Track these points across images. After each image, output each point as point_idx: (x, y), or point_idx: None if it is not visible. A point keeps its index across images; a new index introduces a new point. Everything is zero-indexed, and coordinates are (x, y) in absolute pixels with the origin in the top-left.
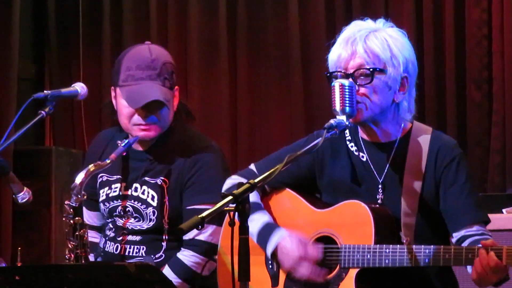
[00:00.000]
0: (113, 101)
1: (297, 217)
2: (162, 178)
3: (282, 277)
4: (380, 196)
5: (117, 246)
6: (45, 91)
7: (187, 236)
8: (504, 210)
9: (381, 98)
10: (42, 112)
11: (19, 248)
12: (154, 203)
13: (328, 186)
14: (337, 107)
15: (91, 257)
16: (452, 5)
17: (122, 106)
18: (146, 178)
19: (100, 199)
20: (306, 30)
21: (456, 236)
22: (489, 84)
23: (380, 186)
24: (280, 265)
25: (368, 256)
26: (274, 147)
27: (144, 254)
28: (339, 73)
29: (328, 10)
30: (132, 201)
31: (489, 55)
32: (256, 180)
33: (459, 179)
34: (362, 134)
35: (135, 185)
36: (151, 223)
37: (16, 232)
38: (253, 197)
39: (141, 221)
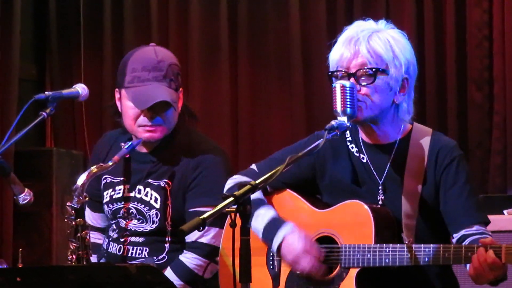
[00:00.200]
0: (117, 103)
1: (298, 217)
2: (166, 180)
3: (283, 277)
4: (380, 198)
5: (120, 247)
6: (46, 92)
7: (189, 239)
8: (505, 211)
9: (382, 99)
10: (43, 113)
11: (20, 249)
12: (157, 205)
13: (329, 187)
14: (338, 108)
15: (94, 258)
16: (453, 6)
17: (128, 107)
18: (150, 180)
19: (104, 201)
20: (307, 30)
21: (456, 236)
22: (490, 85)
23: (380, 187)
24: (283, 258)
25: (369, 255)
26: (275, 147)
27: (146, 256)
28: (340, 72)
29: (329, 11)
30: (135, 203)
31: (490, 56)
32: (257, 181)
33: (459, 180)
34: (362, 135)
35: (138, 187)
36: (154, 225)
37: (17, 233)
38: (257, 193)
39: (144, 223)
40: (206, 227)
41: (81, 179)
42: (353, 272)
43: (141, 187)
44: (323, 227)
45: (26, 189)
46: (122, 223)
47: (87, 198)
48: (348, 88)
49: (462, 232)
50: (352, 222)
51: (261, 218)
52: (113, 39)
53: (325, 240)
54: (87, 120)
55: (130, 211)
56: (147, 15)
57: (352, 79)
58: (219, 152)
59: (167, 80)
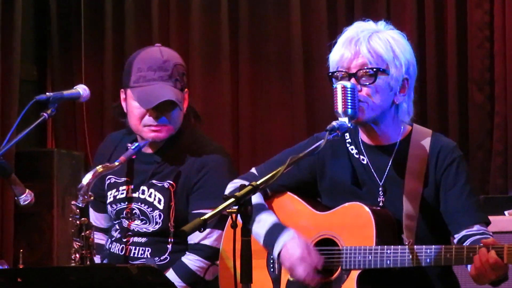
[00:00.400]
0: (123, 103)
1: (299, 220)
2: (170, 181)
3: (284, 280)
4: (381, 199)
5: (122, 247)
6: (47, 93)
7: (192, 241)
8: (506, 212)
9: (383, 99)
10: (44, 114)
11: (21, 250)
12: (161, 206)
13: (329, 189)
14: (339, 109)
15: (97, 259)
16: (454, 6)
17: (133, 107)
18: (154, 181)
19: (108, 201)
20: (308, 31)
21: (457, 237)
22: (491, 86)
23: (380, 189)
24: (282, 265)
25: (370, 257)
26: (276, 148)
27: (149, 256)
28: (341, 73)
29: (330, 11)
30: (139, 203)
31: (491, 57)
32: (258, 182)
33: (460, 181)
34: (362, 136)
35: (142, 187)
36: (157, 226)
37: (18, 234)
38: (257, 198)
39: (147, 224)
40: (209, 229)
41: (87, 178)
42: (354, 274)
43: (145, 187)
44: (323, 230)
45: (27, 190)
46: (125, 223)
47: (92, 198)
48: (349, 89)
49: (463, 233)
50: (352, 224)
51: (262, 224)
52: (114, 40)
53: (326, 243)
54: (88, 121)
55: (134, 211)
56: (148, 16)
57: (352, 79)
58: (223, 154)
59: (172, 80)
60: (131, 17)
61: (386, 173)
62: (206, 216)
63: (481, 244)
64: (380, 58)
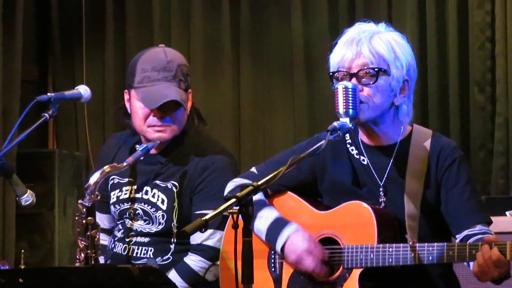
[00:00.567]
0: (127, 104)
1: (300, 219)
2: (173, 182)
3: (285, 280)
4: (382, 199)
5: (125, 247)
6: (48, 94)
7: (194, 241)
8: (507, 213)
9: (383, 99)
10: (46, 114)
11: (23, 251)
12: (164, 207)
13: (330, 190)
14: (341, 109)
15: (101, 259)
16: (455, 7)
17: (137, 107)
18: (157, 182)
19: (111, 201)
20: (309, 32)
21: (459, 237)
22: (493, 87)
23: (381, 189)
24: (286, 258)
25: (371, 255)
26: (277, 149)
27: (151, 256)
28: (341, 73)
29: (331, 14)
30: (142, 204)
31: (492, 58)
32: (259, 183)
33: (460, 181)
34: (362, 137)
35: (145, 188)
36: (160, 227)
37: (20, 235)
38: (258, 195)
39: (151, 224)
40: (212, 230)
41: (94, 177)
42: (356, 272)
43: (148, 188)
44: (325, 229)
45: (29, 191)
46: (128, 223)
47: (99, 197)
48: (350, 90)
49: (465, 233)
50: (354, 223)
51: (264, 219)
52: (116, 41)
53: (327, 242)
54: (89, 121)
55: (137, 212)
56: (149, 17)
57: (353, 80)
58: (227, 155)
59: (176, 80)
60: (132, 19)
61: (386, 173)
62: (207, 217)
63: (484, 241)
64: (381, 58)
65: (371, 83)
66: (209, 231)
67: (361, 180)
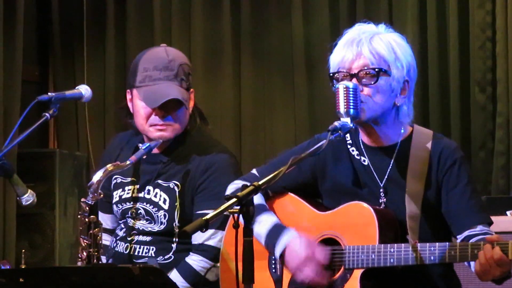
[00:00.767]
0: (129, 104)
1: (300, 220)
2: (175, 181)
3: (285, 281)
4: (382, 200)
5: (127, 246)
6: (49, 94)
7: (196, 241)
8: (508, 213)
9: (384, 100)
10: (46, 114)
11: (23, 251)
12: (166, 206)
13: (330, 190)
14: (342, 109)
15: (103, 259)
16: (456, 7)
17: (139, 107)
18: (159, 181)
19: (113, 201)
20: (310, 33)
21: (459, 237)
22: (493, 87)
23: (381, 190)
24: (285, 265)
25: (373, 256)
26: (278, 149)
27: (153, 255)
28: (342, 74)
29: (332, 14)
30: (144, 203)
31: (493, 58)
32: (260, 182)
33: (461, 181)
34: (363, 137)
35: (148, 187)
36: (162, 226)
37: (20, 235)
38: (258, 199)
39: (152, 224)
40: (214, 230)
41: (97, 176)
42: (357, 273)
43: (150, 188)
44: (326, 229)
45: (29, 190)
46: (131, 222)
47: (101, 195)
48: (351, 89)
49: (466, 233)
50: (355, 223)
51: (263, 224)
52: (116, 40)
53: (328, 242)
54: (90, 121)
55: (139, 211)
56: (150, 17)
57: (354, 80)
58: (228, 155)
59: (178, 79)
60: (133, 19)
61: (387, 174)
62: (208, 216)
63: (486, 241)
64: (382, 58)
65: (372, 83)
66: (211, 231)
67: (362, 180)
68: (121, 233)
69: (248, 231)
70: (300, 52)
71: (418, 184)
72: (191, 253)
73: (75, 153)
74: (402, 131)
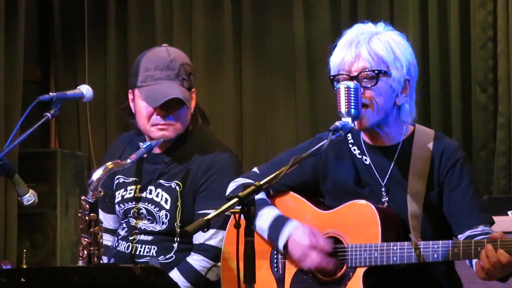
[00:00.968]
0: (131, 104)
1: (302, 219)
2: (177, 181)
3: (288, 280)
4: (384, 199)
5: (129, 245)
6: (50, 93)
7: (197, 241)
8: (509, 213)
9: (385, 101)
10: (48, 114)
11: (25, 250)
12: (167, 206)
13: (332, 190)
14: (343, 109)
15: (105, 259)
16: (457, 7)
17: (141, 106)
18: (161, 181)
19: (116, 201)
20: (311, 33)
21: (461, 237)
22: (494, 87)
23: (383, 189)
24: (290, 255)
25: (376, 254)
26: (279, 149)
27: (154, 254)
28: (342, 76)
29: (333, 14)
30: (146, 203)
31: (494, 58)
32: (261, 182)
33: (463, 181)
34: (364, 137)
35: (150, 187)
36: (164, 226)
37: (21, 235)
38: (260, 194)
39: (154, 224)
40: (215, 230)
41: (97, 173)
42: (360, 271)
43: (152, 187)
44: (328, 228)
45: (30, 190)
46: (133, 221)
47: (102, 193)
48: (352, 89)
49: (467, 233)
50: (357, 222)
51: (265, 218)
52: (118, 41)
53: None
54: (91, 121)
55: (141, 211)
56: (152, 17)
57: (355, 82)
58: (230, 155)
59: (179, 79)
60: (134, 19)
61: (388, 173)
62: (209, 216)
63: (489, 239)
64: (380, 60)
65: (372, 85)
66: (212, 231)
67: (363, 180)
68: (123, 233)
69: (249, 231)
70: (301, 52)
71: (420, 184)
72: (192, 253)
73: (77, 153)
74: (404, 130)
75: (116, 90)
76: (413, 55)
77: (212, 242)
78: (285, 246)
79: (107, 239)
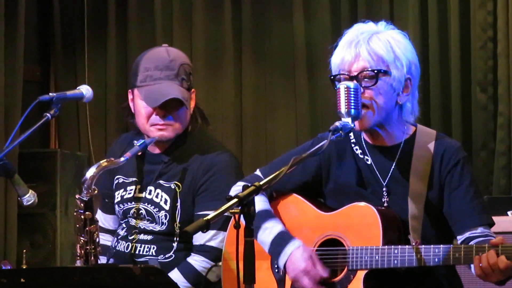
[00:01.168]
0: (131, 104)
1: (304, 220)
2: (176, 182)
3: (288, 281)
4: (385, 200)
5: (128, 245)
6: (50, 94)
7: (197, 242)
8: (509, 213)
9: (386, 100)
10: (48, 114)
11: (24, 251)
12: (167, 207)
13: (334, 190)
14: (343, 109)
15: (103, 259)
16: (457, 7)
17: (140, 106)
18: (161, 181)
19: (116, 201)
20: (311, 33)
21: (460, 238)
22: (494, 87)
23: (384, 189)
24: (287, 274)
25: (377, 257)
26: (279, 149)
27: (154, 254)
28: (342, 76)
29: (333, 14)
30: (146, 203)
31: (494, 58)
32: (261, 183)
33: (464, 182)
34: (365, 137)
35: (149, 188)
36: (163, 227)
37: (21, 235)
38: (263, 204)
39: (154, 224)
40: (215, 231)
41: (91, 171)
42: (361, 274)
43: (152, 188)
44: (329, 230)
45: (30, 191)
46: (132, 221)
47: (96, 191)
48: (352, 89)
49: (467, 234)
50: (359, 224)
51: (268, 232)
52: (118, 40)
53: (332, 243)
54: (91, 121)
55: (140, 211)
56: (152, 18)
57: (355, 82)
58: (230, 156)
59: (179, 79)
60: (134, 19)
61: (390, 173)
62: (209, 217)
63: (490, 244)
64: (380, 59)
65: (372, 85)
66: (212, 232)
67: (366, 180)
68: (122, 233)
69: (249, 231)
70: (302, 52)
71: (421, 184)
72: (192, 253)
73: (76, 153)
74: (406, 129)
75: (116, 90)
76: (414, 54)
77: (212, 243)
78: (285, 264)
79: (107, 240)
